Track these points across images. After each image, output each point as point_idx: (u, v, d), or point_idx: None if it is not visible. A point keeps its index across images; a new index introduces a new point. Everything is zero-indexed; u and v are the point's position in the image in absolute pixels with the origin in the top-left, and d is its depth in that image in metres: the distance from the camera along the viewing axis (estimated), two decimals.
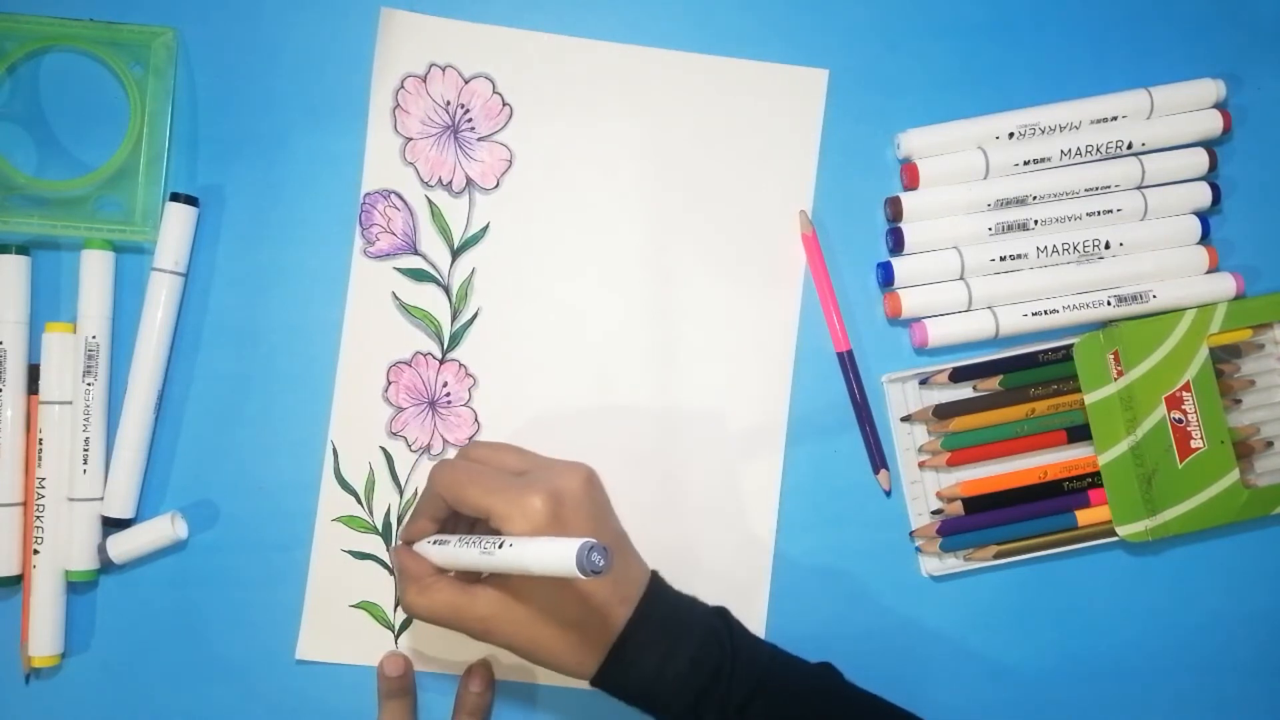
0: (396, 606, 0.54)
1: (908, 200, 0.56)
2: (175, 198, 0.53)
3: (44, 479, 0.53)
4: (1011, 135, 0.56)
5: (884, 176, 0.57)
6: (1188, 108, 0.57)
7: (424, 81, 0.55)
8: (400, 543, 0.50)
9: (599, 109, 0.56)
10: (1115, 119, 0.56)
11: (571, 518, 0.44)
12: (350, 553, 0.54)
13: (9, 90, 0.54)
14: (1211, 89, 0.56)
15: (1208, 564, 0.58)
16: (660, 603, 0.47)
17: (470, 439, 0.55)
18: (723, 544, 0.55)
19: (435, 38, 0.55)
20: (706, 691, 0.45)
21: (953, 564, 0.56)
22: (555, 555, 0.39)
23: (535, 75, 0.55)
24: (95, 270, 0.53)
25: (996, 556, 0.55)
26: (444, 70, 0.55)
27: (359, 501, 0.54)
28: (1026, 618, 0.57)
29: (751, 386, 0.56)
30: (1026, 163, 0.56)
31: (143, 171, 0.53)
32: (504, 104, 0.55)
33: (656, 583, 0.48)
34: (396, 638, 0.54)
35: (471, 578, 0.47)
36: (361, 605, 0.54)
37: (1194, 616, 0.58)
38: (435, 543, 0.47)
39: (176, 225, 0.53)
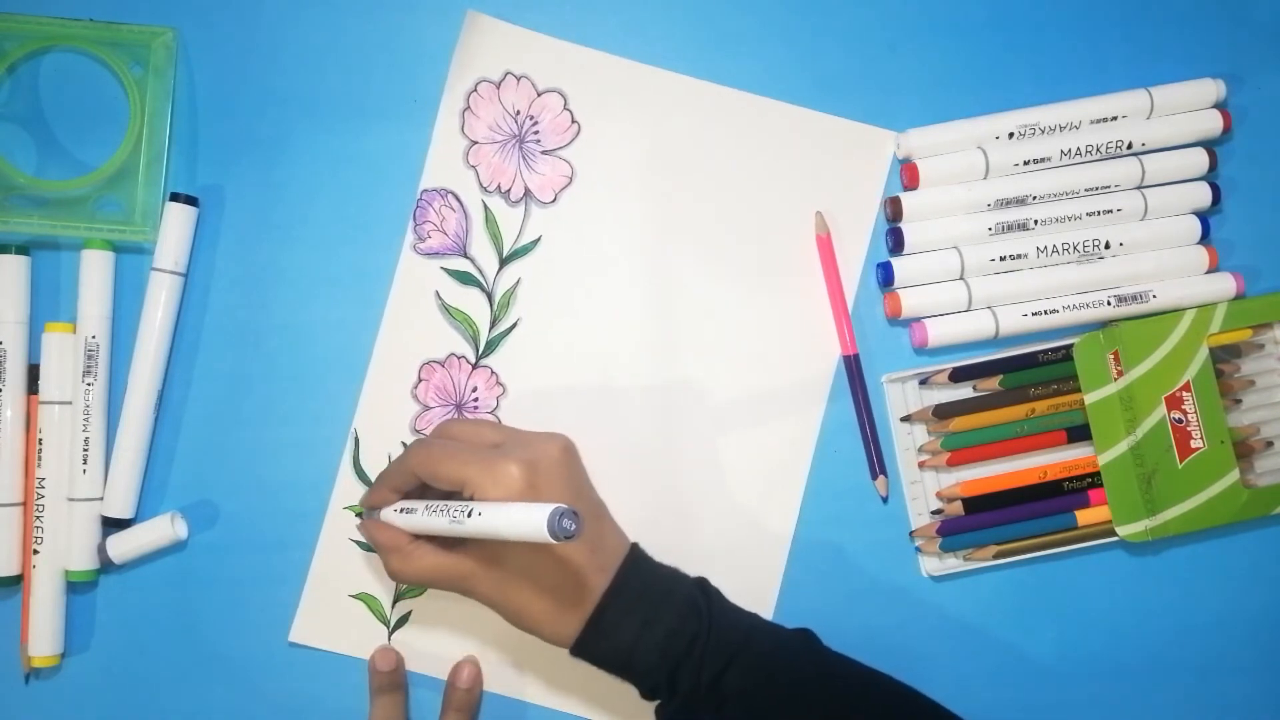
0: (395, 603, 0.54)
1: (908, 200, 0.56)
2: (175, 198, 0.53)
3: (44, 479, 0.53)
4: (1011, 135, 0.56)
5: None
6: (1188, 108, 0.57)
7: (498, 88, 0.55)
8: (365, 511, 0.51)
9: (665, 139, 0.56)
10: (1115, 119, 0.56)
11: (546, 485, 0.45)
12: (357, 543, 0.54)
13: (9, 90, 0.54)
14: (1211, 89, 0.56)
15: (1208, 564, 0.58)
16: (639, 572, 0.47)
17: None
18: (739, 559, 0.55)
19: (516, 46, 0.55)
20: (682, 662, 0.46)
21: (953, 564, 0.56)
22: (527, 520, 0.40)
23: (608, 97, 0.56)
24: (95, 270, 0.53)
25: (996, 556, 0.55)
26: (519, 80, 0.55)
27: None
28: (1026, 618, 0.57)
29: (786, 409, 0.56)
30: (1026, 163, 0.56)
31: (143, 171, 0.53)
32: (573, 121, 0.56)
33: (636, 553, 0.48)
34: (390, 634, 0.54)
35: (452, 541, 0.47)
36: (360, 596, 0.54)
37: (1194, 616, 0.58)
38: (402, 511, 0.48)
39: (176, 225, 0.53)
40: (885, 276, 0.56)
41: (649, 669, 0.46)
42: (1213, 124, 0.56)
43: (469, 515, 0.43)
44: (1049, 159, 0.56)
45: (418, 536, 0.48)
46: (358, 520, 0.53)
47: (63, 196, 0.53)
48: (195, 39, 0.54)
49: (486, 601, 0.47)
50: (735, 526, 0.55)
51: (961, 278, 0.56)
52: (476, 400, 0.55)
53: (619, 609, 0.46)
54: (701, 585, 0.49)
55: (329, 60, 0.55)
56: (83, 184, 0.53)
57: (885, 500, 0.56)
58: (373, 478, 0.54)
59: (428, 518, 0.45)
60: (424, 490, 0.49)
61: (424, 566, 0.47)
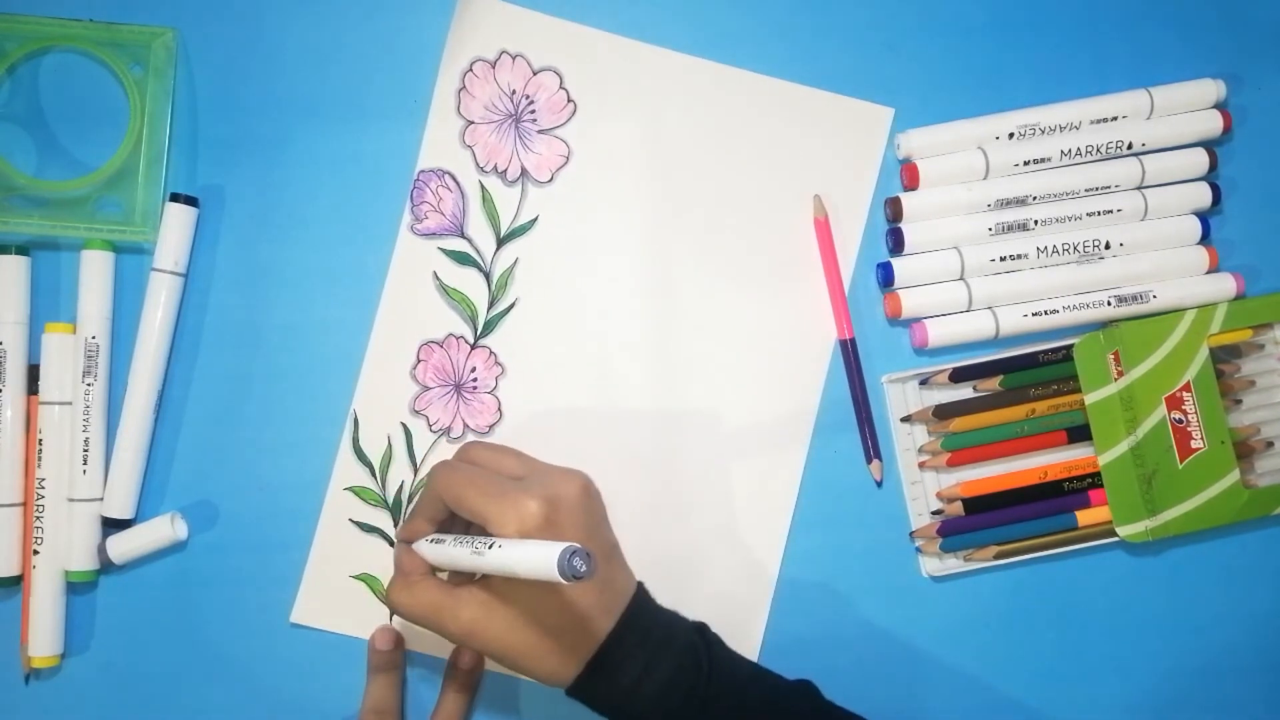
0: None
1: (908, 200, 0.56)
2: (175, 198, 0.53)
3: (44, 479, 0.53)
4: (1011, 135, 0.56)
5: (884, 176, 0.57)
6: (1188, 108, 0.57)
7: (493, 67, 0.55)
8: (399, 541, 0.50)
9: (662, 117, 0.56)
10: (1115, 119, 0.56)
11: (566, 524, 0.44)
12: (357, 524, 0.54)
13: (9, 90, 0.54)
14: (1211, 89, 0.56)
15: (1208, 564, 0.58)
16: (642, 617, 0.47)
17: (491, 428, 0.55)
18: (736, 545, 0.55)
19: (511, 25, 0.55)
20: (679, 711, 0.45)
21: (953, 564, 0.56)
22: (538, 558, 0.40)
23: (603, 76, 0.56)
24: (95, 270, 0.53)
25: (997, 557, 0.55)
26: (514, 59, 0.55)
27: (373, 474, 0.54)
28: (1026, 618, 0.57)
29: (783, 394, 0.56)
30: (1026, 163, 0.56)
31: (142, 172, 0.53)
32: (569, 100, 0.56)
33: (641, 595, 0.48)
34: (392, 615, 0.54)
35: (460, 580, 0.47)
36: (361, 577, 0.54)
37: (1194, 617, 0.58)
38: (433, 541, 0.48)
39: (176, 225, 0.53)
40: (885, 277, 0.56)
41: (644, 716, 0.46)
42: (1213, 124, 0.56)
43: (490, 548, 0.43)
44: (1049, 159, 0.56)
45: (434, 571, 0.48)
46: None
47: (63, 197, 0.53)
48: (195, 39, 0.54)
49: (483, 648, 0.46)
50: (731, 516, 0.55)
51: (962, 278, 0.56)
52: (475, 380, 0.55)
53: (619, 654, 0.45)
54: (701, 631, 0.48)
55: (329, 60, 0.55)
56: (83, 184, 0.53)
57: (879, 484, 0.56)
58: (372, 459, 0.54)
59: (453, 549, 0.45)
60: (454, 519, 0.48)
61: (421, 599, 0.46)
